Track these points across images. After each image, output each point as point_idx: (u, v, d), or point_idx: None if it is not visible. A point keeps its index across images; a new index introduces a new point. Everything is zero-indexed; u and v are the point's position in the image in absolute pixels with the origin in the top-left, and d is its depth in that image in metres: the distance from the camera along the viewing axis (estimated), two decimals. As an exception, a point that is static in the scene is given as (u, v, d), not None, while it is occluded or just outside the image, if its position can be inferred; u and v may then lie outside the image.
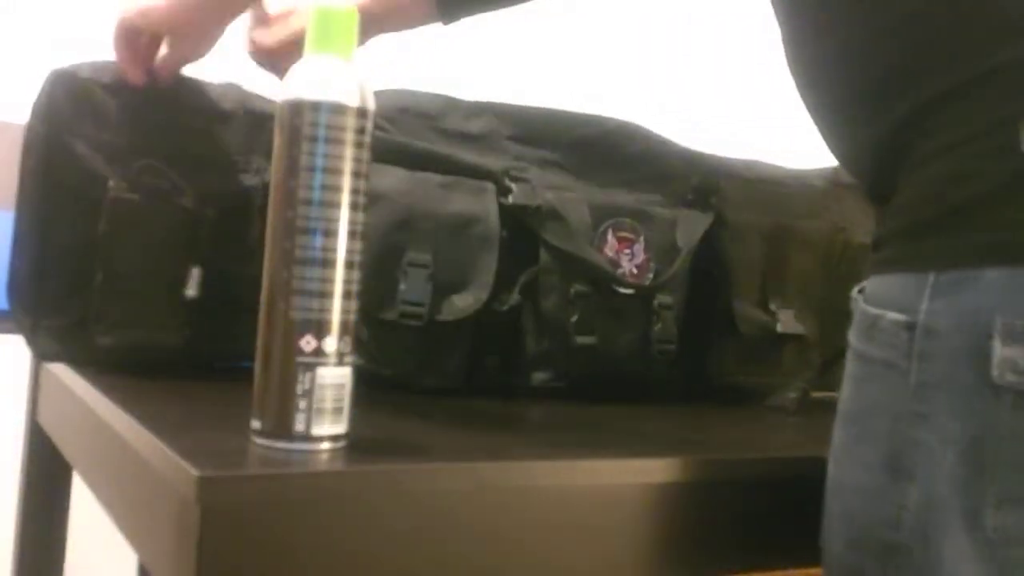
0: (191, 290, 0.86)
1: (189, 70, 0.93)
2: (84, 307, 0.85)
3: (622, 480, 0.66)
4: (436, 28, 0.91)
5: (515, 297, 0.92)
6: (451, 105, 1.00)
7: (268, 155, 0.89)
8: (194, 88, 0.91)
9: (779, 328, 1.02)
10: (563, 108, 1.05)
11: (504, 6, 0.89)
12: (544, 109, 1.04)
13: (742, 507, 0.72)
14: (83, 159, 0.85)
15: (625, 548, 0.66)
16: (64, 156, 0.85)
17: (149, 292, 0.85)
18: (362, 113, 0.59)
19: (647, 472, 0.67)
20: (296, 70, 0.60)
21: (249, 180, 0.90)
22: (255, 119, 0.92)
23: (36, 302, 0.86)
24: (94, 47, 1.39)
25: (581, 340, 0.92)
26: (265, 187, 0.88)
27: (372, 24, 0.86)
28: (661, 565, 0.68)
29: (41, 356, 0.88)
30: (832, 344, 1.10)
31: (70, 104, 0.85)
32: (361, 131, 0.59)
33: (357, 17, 0.61)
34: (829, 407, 1.08)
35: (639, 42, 1.83)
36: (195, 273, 0.86)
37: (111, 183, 0.84)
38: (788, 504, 0.75)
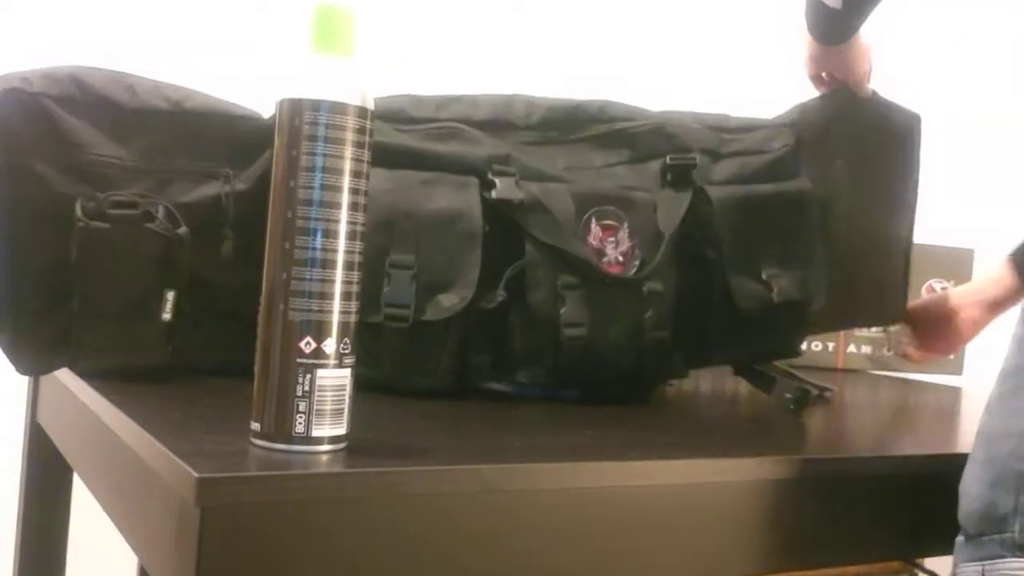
0: (167, 314, 0.83)
1: (147, 71, 0.91)
2: (65, 321, 0.82)
3: (623, 482, 0.65)
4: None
5: (501, 293, 0.90)
6: (415, 102, 0.99)
7: (236, 160, 0.89)
8: (154, 93, 0.87)
9: (775, 298, 1.00)
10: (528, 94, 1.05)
11: None
12: (507, 94, 1.03)
13: (749, 508, 0.72)
14: (47, 181, 0.80)
15: (626, 550, 0.66)
16: (26, 178, 0.80)
17: (126, 317, 0.82)
18: (362, 112, 0.59)
19: (648, 474, 0.66)
20: (296, 70, 0.59)
21: (219, 188, 0.87)
22: (221, 122, 0.89)
23: (15, 320, 0.83)
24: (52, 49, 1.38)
25: (570, 332, 0.91)
26: (234, 196, 0.87)
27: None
28: (664, 567, 0.68)
29: (24, 372, 0.86)
30: (821, 302, 1.08)
31: (25, 122, 0.80)
32: (361, 131, 0.59)
33: (355, 16, 0.61)
34: (825, 406, 1.09)
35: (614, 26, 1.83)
36: (170, 296, 0.83)
37: (79, 205, 0.80)
38: (792, 505, 0.74)
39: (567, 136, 1.03)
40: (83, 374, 0.83)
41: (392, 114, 0.97)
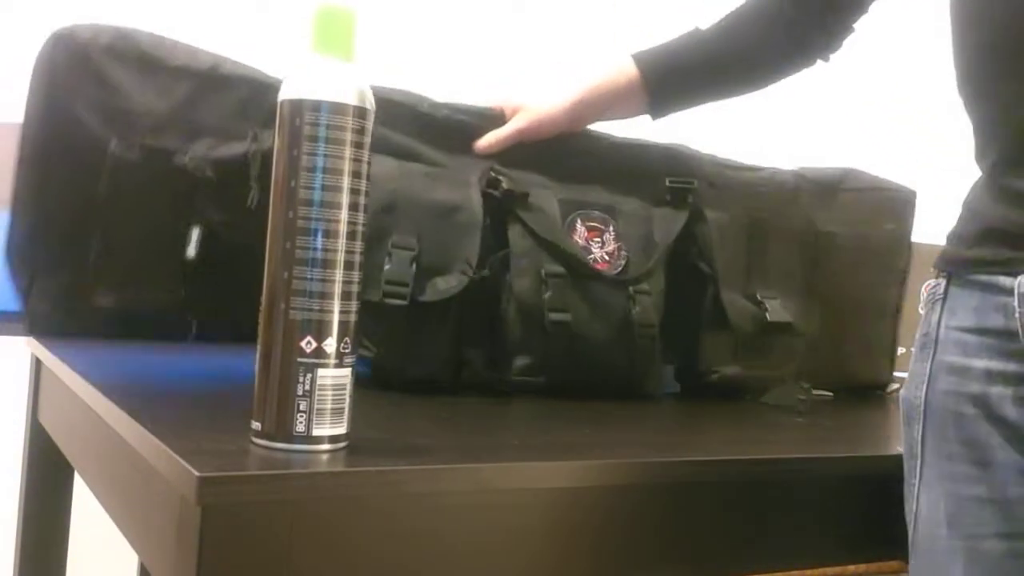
0: (191, 250, 0.86)
1: (184, 36, 0.94)
2: (78, 269, 0.86)
3: (621, 481, 0.66)
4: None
5: (485, 272, 0.93)
6: (428, 102, 1.03)
7: (263, 123, 0.92)
8: (192, 55, 0.91)
9: (768, 317, 1.03)
10: None
11: (707, 101, 1.07)
12: None
13: (749, 506, 0.72)
14: (82, 121, 0.86)
15: (625, 547, 0.66)
16: (63, 117, 0.86)
17: (148, 252, 0.86)
18: (362, 113, 0.59)
19: (646, 472, 0.67)
20: (296, 70, 0.60)
21: (244, 146, 0.90)
22: (251, 87, 0.93)
23: (32, 261, 0.87)
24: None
25: (555, 317, 0.93)
26: (260, 153, 0.89)
27: (590, 113, 1.05)
28: (663, 563, 0.68)
29: (33, 319, 0.88)
30: (812, 331, 1.12)
31: (70, 66, 0.86)
32: (360, 131, 0.59)
33: (356, 17, 0.61)
34: (828, 405, 1.09)
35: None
36: (195, 233, 0.86)
37: (112, 145, 0.84)
38: (790, 504, 0.75)
39: (563, 164, 1.06)
40: (98, 314, 0.85)
41: (415, 102, 1.01)
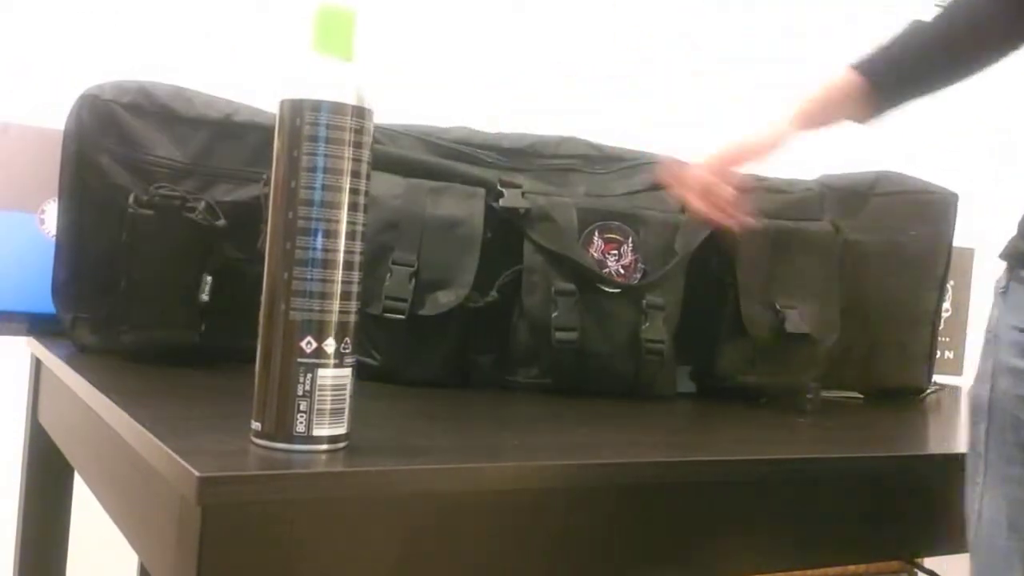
0: (204, 295, 0.92)
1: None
2: (113, 304, 0.93)
3: (624, 482, 0.66)
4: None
5: (492, 295, 0.96)
6: (443, 130, 1.06)
7: None
8: (208, 105, 0.98)
9: (787, 327, 1.03)
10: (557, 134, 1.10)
11: (931, 92, 1.01)
12: (536, 135, 1.09)
13: (740, 507, 0.72)
14: (109, 173, 0.93)
15: (627, 548, 0.66)
16: (92, 171, 0.93)
17: (166, 296, 0.92)
18: (362, 113, 0.59)
19: (648, 473, 0.66)
20: (296, 71, 0.60)
21: (258, 190, 0.96)
22: (264, 133, 0.99)
23: (74, 301, 0.96)
24: (87, 50, 1.39)
25: (561, 336, 0.94)
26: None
27: (811, 123, 1.01)
28: (663, 565, 0.68)
29: (80, 347, 0.96)
30: (840, 341, 1.11)
31: (95, 123, 0.93)
32: (360, 131, 0.59)
33: (356, 17, 0.61)
34: (843, 407, 1.09)
35: (632, 62, 1.83)
36: (208, 280, 0.92)
37: (132, 195, 0.91)
38: (793, 504, 0.75)
39: (593, 167, 1.08)
40: (126, 348, 0.92)
41: (425, 133, 1.05)
